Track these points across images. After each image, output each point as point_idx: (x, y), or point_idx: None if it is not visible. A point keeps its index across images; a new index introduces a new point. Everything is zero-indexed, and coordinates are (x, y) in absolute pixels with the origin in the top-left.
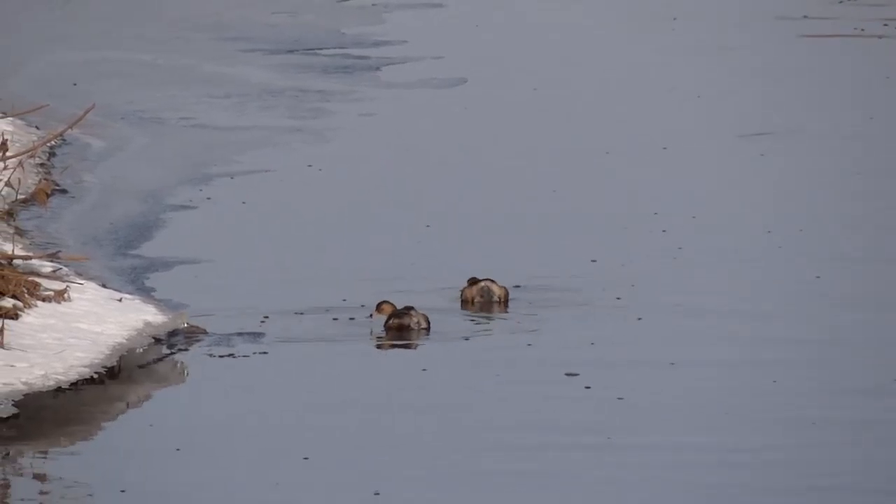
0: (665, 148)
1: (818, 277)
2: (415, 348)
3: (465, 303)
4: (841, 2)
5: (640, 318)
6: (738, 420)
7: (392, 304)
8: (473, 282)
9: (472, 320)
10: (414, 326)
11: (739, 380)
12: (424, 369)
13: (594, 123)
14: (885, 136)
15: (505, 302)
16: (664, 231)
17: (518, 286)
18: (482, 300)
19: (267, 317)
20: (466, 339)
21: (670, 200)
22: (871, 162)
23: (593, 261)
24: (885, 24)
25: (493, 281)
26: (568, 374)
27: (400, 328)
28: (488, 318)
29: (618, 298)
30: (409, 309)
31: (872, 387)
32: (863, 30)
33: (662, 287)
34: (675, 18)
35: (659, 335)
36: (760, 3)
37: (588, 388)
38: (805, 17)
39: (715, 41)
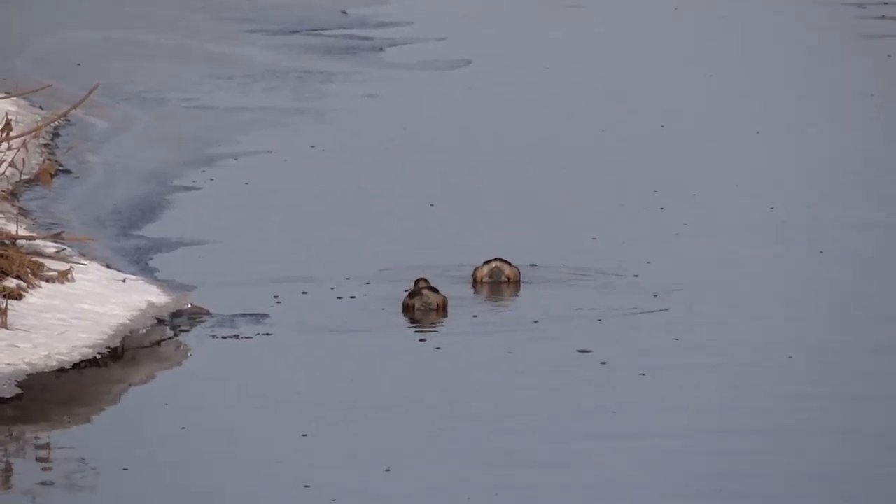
0: (663, 126)
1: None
2: (422, 328)
3: (476, 283)
4: None
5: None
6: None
7: (425, 281)
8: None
9: (482, 301)
10: (422, 307)
11: (761, 357)
12: (438, 347)
13: (597, 104)
14: (885, 110)
15: (516, 282)
16: (662, 208)
17: (534, 265)
18: (491, 280)
19: (277, 297)
20: (475, 316)
21: (669, 178)
22: (878, 130)
23: (594, 238)
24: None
25: (505, 261)
26: (581, 351)
27: (408, 308)
28: (498, 298)
29: (635, 276)
30: (421, 289)
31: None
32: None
33: (675, 266)
34: (675, 9)
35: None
36: None
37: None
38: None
39: (714, 14)
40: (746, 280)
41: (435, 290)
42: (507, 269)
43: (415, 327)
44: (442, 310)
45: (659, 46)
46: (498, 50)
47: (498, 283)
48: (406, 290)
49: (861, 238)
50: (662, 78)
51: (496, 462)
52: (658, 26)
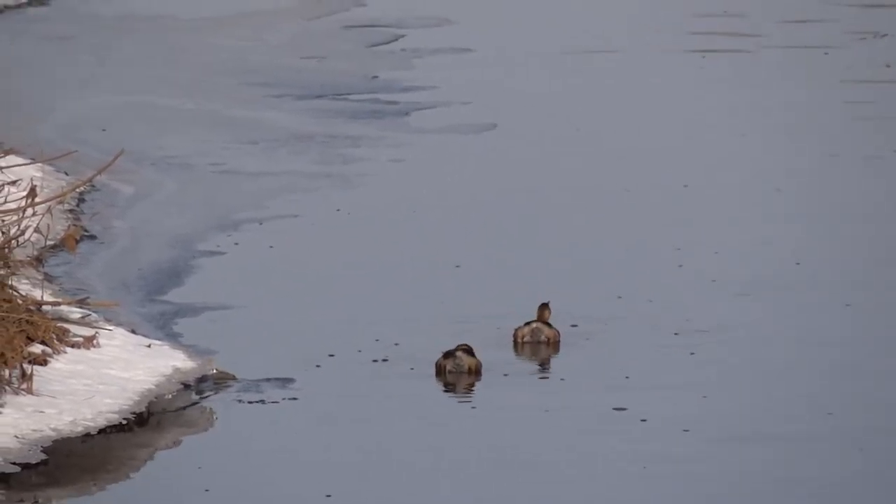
0: (686, 186)
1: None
2: (455, 391)
3: (516, 344)
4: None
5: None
6: None
7: (467, 346)
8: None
9: (519, 361)
10: (453, 369)
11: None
12: (474, 407)
13: (623, 164)
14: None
15: (555, 344)
16: (680, 266)
17: (575, 325)
18: (532, 341)
19: (303, 361)
20: (506, 375)
21: (691, 236)
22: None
23: (619, 297)
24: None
25: (546, 322)
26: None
27: (441, 371)
28: (539, 360)
29: (675, 334)
30: (455, 350)
31: None
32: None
33: (712, 319)
34: (703, 56)
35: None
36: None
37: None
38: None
39: (747, 75)
40: (776, 327)
41: (471, 354)
42: (546, 330)
43: (446, 389)
44: (475, 373)
45: (688, 105)
46: (523, 113)
47: (537, 343)
48: (442, 351)
49: (888, 290)
50: (690, 138)
51: None
52: (686, 78)
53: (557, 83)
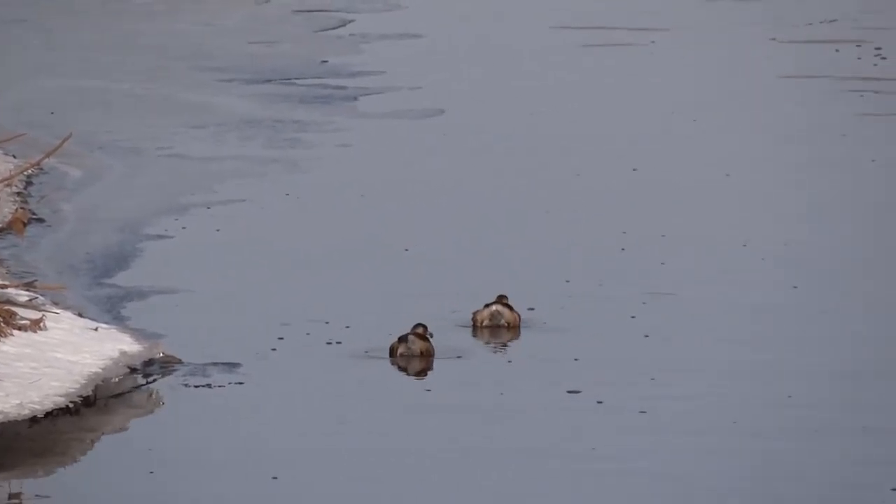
0: (635, 170)
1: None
2: (407, 374)
3: (476, 327)
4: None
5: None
6: None
7: (423, 328)
8: (487, 304)
9: (482, 343)
10: (405, 352)
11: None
12: (428, 390)
13: (572, 149)
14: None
15: (516, 327)
16: (624, 249)
17: (532, 308)
18: (491, 324)
19: (250, 345)
20: (459, 357)
21: (640, 221)
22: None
23: (567, 281)
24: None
25: (507, 305)
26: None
27: (393, 351)
28: (499, 341)
29: (632, 317)
30: (408, 334)
31: None
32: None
33: (672, 302)
34: (652, 42)
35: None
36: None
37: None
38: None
39: (696, 57)
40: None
41: (424, 339)
42: (507, 314)
43: (398, 371)
44: (426, 358)
45: (628, 88)
46: (471, 99)
47: (497, 327)
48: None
49: (835, 269)
50: (640, 124)
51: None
52: (629, 64)
53: (506, 70)
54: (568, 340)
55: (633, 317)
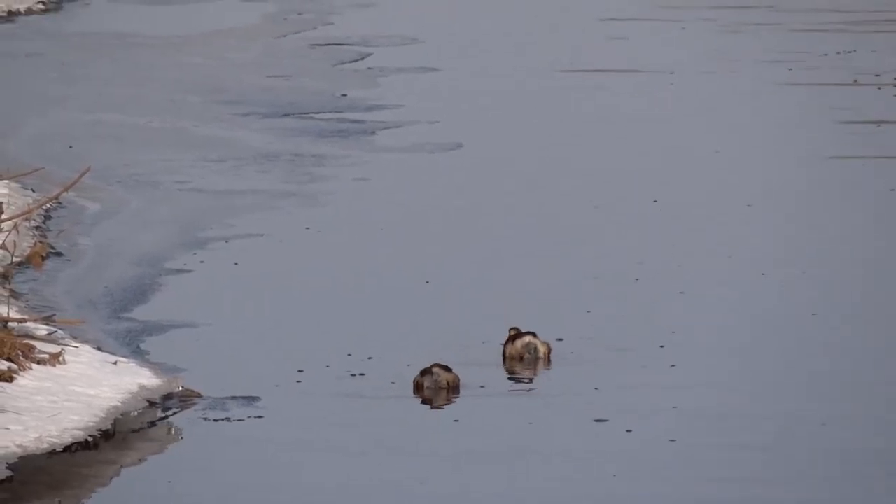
0: (655, 201)
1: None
2: (433, 406)
3: (510, 360)
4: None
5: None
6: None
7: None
8: (515, 336)
9: (515, 378)
10: (431, 385)
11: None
12: (456, 420)
13: (591, 182)
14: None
15: (546, 357)
16: (637, 280)
17: (560, 339)
18: (529, 357)
19: (270, 379)
20: (482, 386)
21: (655, 255)
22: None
23: (588, 312)
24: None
25: (534, 335)
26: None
27: (418, 387)
28: (531, 375)
29: (661, 347)
30: (431, 367)
31: None
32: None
33: (700, 332)
34: (672, 72)
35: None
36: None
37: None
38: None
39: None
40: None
41: (447, 370)
42: (540, 346)
43: (422, 403)
44: (453, 389)
45: (654, 123)
46: (489, 132)
47: (535, 359)
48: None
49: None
50: (659, 156)
51: None
52: (653, 98)
53: (524, 103)
54: (600, 370)
55: (661, 346)
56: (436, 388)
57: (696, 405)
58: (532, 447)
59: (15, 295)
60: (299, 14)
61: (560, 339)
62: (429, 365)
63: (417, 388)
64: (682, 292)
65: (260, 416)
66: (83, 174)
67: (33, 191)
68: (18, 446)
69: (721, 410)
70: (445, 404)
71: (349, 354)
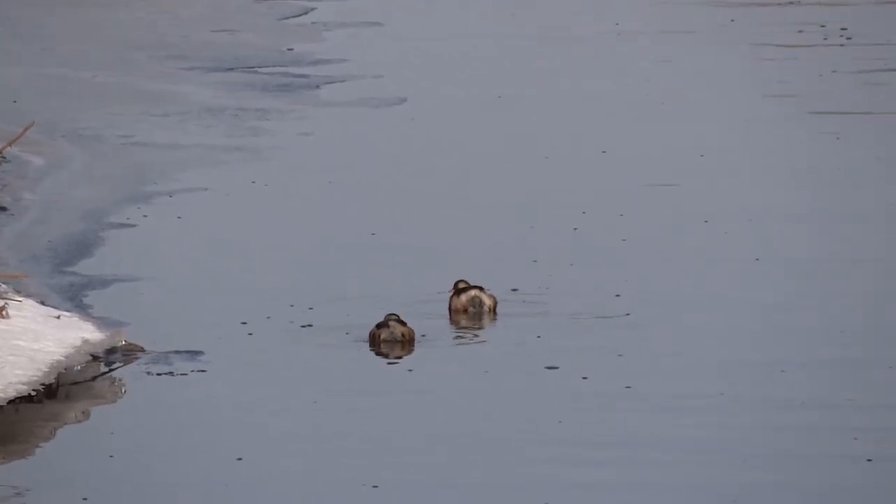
0: (604, 152)
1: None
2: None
3: (455, 313)
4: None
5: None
6: None
7: (396, 316)
8: (463, 289)
9: (462, 331)
10: (388, 338)
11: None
12: (410, 369)
13: (536, 132)
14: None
15: (493, 310)
16: (575, 229)
17: (515, 289)
18: (474, 310)
19: (213, 332)
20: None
21: (601, 203)
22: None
23: (534, 261)
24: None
25: (481, 288)
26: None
27: (374, 339)
28: (479, 327)
29: (617, 295)
30: (388, 320)
31: None
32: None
33: (656, 287)
34: (617, 23)
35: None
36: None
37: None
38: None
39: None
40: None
41: (404, 323)
42: (486, 299)
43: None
44: (409, 343)
45: (608, 69)
46: (434, 87)
47: (480, 312)
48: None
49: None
50: (606, 105)
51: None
52: (606, 49)
53: (469, 57)
54: (547, 322)
55: (617, 295)
56: (392, 340)
57: (650, 351)
58: (486, 390)
59: None
60: None
61: (515, 290)
62: (383, 318)
63: (373, 340)
64: (624, 240)
65: (203, 371)
66: (27, 129)
67: None
68: None
69: (674, 359)
70: (400, 356)
71: (291, 305)
